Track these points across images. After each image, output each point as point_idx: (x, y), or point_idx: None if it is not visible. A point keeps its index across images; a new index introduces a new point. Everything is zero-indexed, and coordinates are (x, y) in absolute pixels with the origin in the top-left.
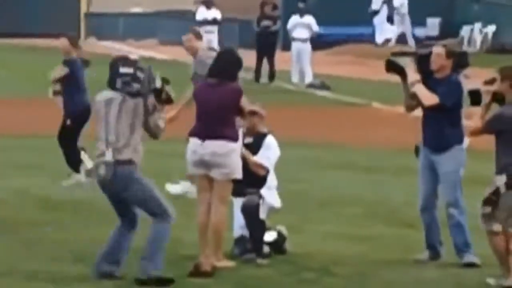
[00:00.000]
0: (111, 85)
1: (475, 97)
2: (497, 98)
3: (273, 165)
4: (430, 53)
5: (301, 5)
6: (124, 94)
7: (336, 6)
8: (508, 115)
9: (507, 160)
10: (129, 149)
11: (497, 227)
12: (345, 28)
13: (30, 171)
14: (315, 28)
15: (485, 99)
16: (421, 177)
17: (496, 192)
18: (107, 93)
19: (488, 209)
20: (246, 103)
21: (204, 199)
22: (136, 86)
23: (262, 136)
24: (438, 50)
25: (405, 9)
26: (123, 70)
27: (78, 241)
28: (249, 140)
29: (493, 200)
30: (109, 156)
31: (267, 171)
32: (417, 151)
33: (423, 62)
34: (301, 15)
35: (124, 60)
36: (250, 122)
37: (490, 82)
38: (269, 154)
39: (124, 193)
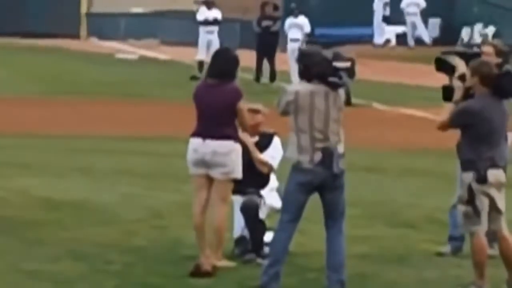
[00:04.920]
0: None
1: (448, 93)
2: (469, 94)
3: (276, 166)
4: (479, 52)
5: (293, 5)
6: None
7: (336, 7)
8: (474, 109)
9: (473, 156)
10: None
11: (476, 228)
12: (345, 29)
13: (31, 170)
14: (306, 29)
15: (457, 94)
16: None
17: (470, 190)
18: None
19: (469, 209)
20: (243, 105)
21: (200, 199)
22: None
23: (269, 136)
24: (488, 49)
25: (412, 9)
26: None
27: (78, 241)
28: (254, 140)
29: (470, 199)
30: None
31: (272, 170)
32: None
33: (471, 61)
34: (295, 16)
35: None
36: (254, 120)
37: (462, 77)
38: (274, 153)
39: None
